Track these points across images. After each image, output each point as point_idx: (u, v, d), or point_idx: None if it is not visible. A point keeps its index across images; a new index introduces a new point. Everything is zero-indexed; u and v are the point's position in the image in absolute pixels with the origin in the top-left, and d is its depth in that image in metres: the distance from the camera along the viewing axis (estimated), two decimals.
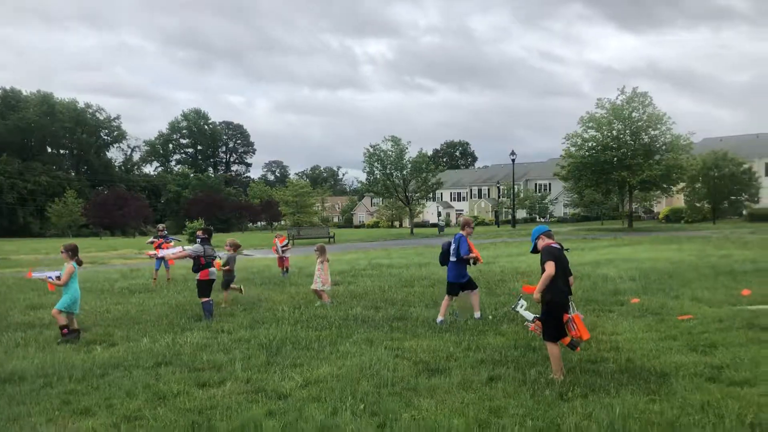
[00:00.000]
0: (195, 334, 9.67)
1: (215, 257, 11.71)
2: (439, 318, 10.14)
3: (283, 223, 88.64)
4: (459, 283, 10.35)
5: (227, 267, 12.77)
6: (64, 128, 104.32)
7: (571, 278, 6.97)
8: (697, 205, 56.23)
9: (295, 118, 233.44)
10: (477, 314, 10.40)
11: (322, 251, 12.62)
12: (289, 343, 8.86)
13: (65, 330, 9.46)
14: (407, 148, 53.43)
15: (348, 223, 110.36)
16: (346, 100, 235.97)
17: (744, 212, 57.05)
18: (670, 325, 9.29)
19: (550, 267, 6.65)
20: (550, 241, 7.07)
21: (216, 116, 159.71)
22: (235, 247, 13.26)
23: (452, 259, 10.21)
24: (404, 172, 54.00)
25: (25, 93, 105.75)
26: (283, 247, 18.88)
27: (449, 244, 10.33)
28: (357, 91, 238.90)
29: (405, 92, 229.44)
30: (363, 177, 59.85)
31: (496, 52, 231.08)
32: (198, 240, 12.02)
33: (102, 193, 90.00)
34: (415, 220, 66.36)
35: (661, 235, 35.26)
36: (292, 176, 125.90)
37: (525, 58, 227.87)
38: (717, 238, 29.85)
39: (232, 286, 13.14)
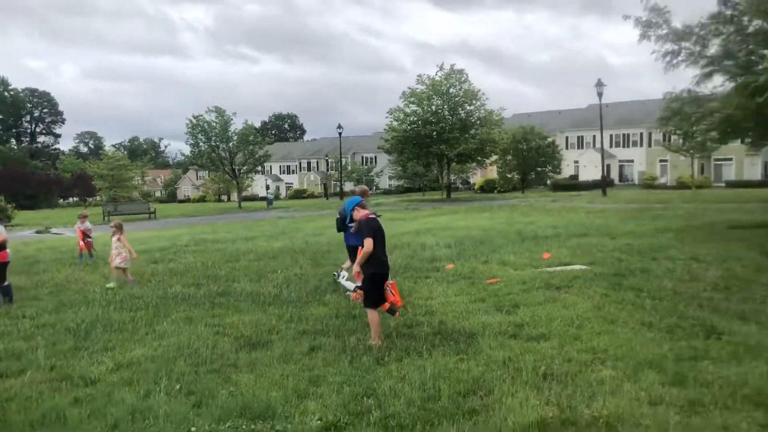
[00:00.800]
0: None
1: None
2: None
3: (98, 198, 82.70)
4: (352, 247, 10.45)
5: None
6: None
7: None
8: (508, 176, 60.83)
9: (108, 85, 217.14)
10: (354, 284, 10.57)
11: (118, 228, 11.99)
12: (100, 325, 8.34)
13: None
14: (233, 120, 51.99)
15: (171, 197, 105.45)
16: (165, 68, 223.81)
17: (548, 182, 62.62)
18: (479, 288, 9.96)
19: (368, 244, 6.89)
20: (366, 212, 7.26)
21: (16, 83, 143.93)
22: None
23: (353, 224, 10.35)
24: (230, 144, 52.53)
25: None
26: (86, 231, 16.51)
27: (344, 210, 10.38)
28: (177, 59, 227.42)
29: (227, 62, 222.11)
30: (187, 149, 57.35)
31: (320, 24, 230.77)
32: None
33: None
34: (244, 193, 64.96)
35: (476, 205, 37.63)
36: (107, 148, 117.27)
37: (348, 32, 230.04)
38: (524, 207, 32.44)
39: None
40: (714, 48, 16.99)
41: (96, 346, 7.35)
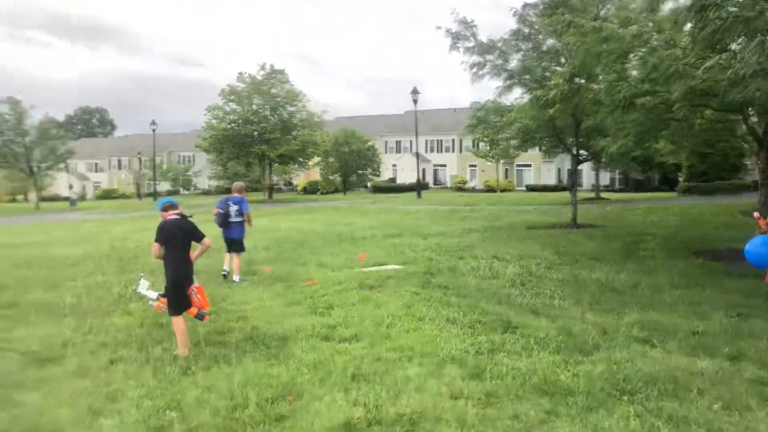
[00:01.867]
0: None
1: None
2: (236, 277, 10.88)
3: None
4: (238, 240, 11.31)
5: None
6: None
7: (206, 240, 6.90)
8: (331, 177, 61.46)
9: None
10: (236, 278, 10.91)
11: None
12: None
13: None
14: (29, 112, 47.33)
15: None
16: None
17: (368, 184, 64.27)
18: (296, 290, 9.90)
19: (154, 249, 6.83)
20: (169, 213, 6.93)
21: None
22: None
23: (237, 219, 11.27)
24: (26, 139, 47.75)
25: None
26: None
27: (226, 205, 11.27)
28: None
29: (17, 46, 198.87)
30: None
31: (123, 13, 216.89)
32: None
33: None
34: (44, 193, 59.39)
35: (299, 206, 37.62)
36: None
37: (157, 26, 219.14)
38: (344, 208, 32.98)
39: None
40: (514, 62, 18.42)
41: None
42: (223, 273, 11.25)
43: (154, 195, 58.66)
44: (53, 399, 5.32)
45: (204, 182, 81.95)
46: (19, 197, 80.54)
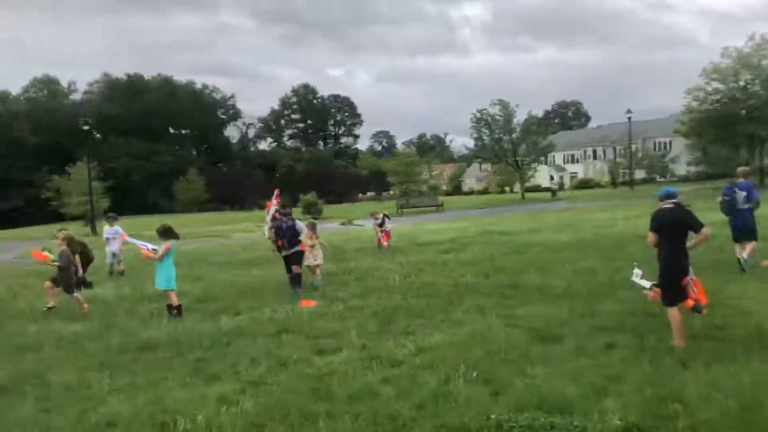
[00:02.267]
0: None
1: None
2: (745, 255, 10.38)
3: (391, 192, 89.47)
4: (747, 229, 10.69)
5: (57, 263, 10.89)
6: (184, 109, 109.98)
7: (704, 230, 6.57)
8: None
9: (397, 86, 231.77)
10: (745, 255, 10.43)
11: (312, 228, 12.54)
12: (401, 311, 9.03)
13: (175, 310, 9.82)
14: (515, 111, 52.20)
15: (456, 190, 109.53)
16: (446, 66, 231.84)
17: None
18: None
19: (648, 239, 6.79)
20: (665, 203, 6.78)
21: (322, 90, 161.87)
22: (69, 241, 11.28)
23: (745, 206, 10.67)
24: (513, 136, 52.86)
25: (146, 77, 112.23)
26: (380, 223, 18.18)
27: (732, 192, 10.81)
28: (456, 56, 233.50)
29: (505, 53, 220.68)
30: (471, 143, 59.23)
31: (599, 5, 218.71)
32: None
33: (221, 171, 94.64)
34: (527, 184, 64.88)
35: None
36: (399, 146, 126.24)
37: (633, 9, 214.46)
38: None
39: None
40: None
41: (399, 329, 7.98)
42: (741, 261, 10.39)
43: (630, 183, 58.25)
44: (559, 374, 5.78)
45: (681, 168, 77.72)
46: (506, 188, 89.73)
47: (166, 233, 10.07)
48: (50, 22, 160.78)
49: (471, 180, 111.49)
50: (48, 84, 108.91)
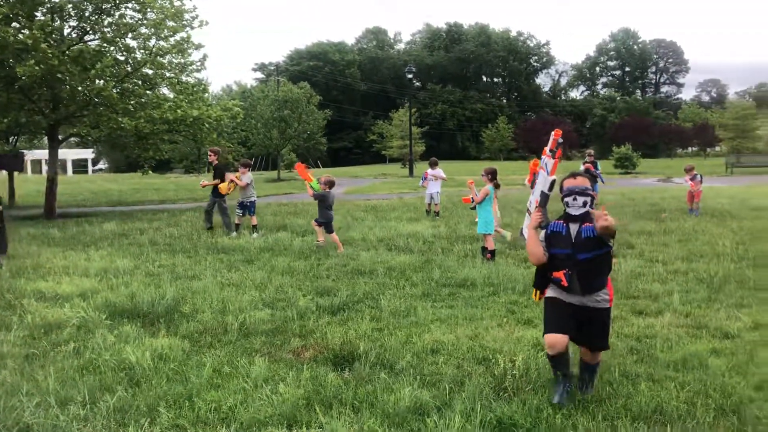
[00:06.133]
0: (629, 262, 9.60)
1: None
2: None
3: (717, 149, 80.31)
4: None
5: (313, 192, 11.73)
6: (497, 57, 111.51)
7: None
8: None
9: (731, 26, 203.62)
10: None
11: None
12: (733, 280, 8.16)
13: (489, 254, 10.06)
14: None
15: None
16: None
17: None
18: None
19: None
20: None
21: (644, 35, 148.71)
22: (330, 185, 11.94)
23: None
24: None
25: (464, 26, 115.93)
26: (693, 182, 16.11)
27: None
28: None
29: None
30: None
31: None
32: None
33: (530, 119, 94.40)
34: None
35: None
36: (731, 96, 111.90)
37: None
38: None
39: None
40: None
41: (730, 300, 7.24)
42: None
43: None
44: None
45: None
46: None
47: (493, 175, 10.34)
48: None
49: None
50: (377, 34, 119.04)
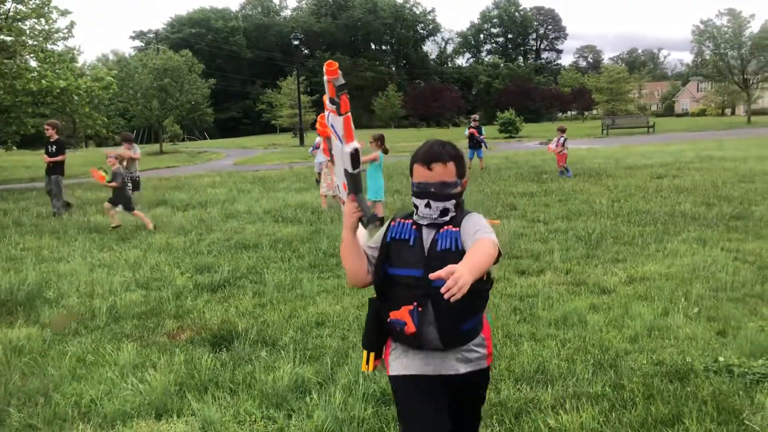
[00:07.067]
0: (512, 222, 9.77)
1: None
2: None
3: (594, 112, 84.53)
4: None
5: (113, 183, 10.86)
6: (384, 24, 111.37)
7: None
8: None
9: None
10: None
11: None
12: (610, 237, 8.47)
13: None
14: (749, 23, 45.94)
15: (668, 111, 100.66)
16: None
17: None
18: None
19: None
20: None
21: (525, 2, 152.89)
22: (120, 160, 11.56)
23: None
24: (743, 51, 46.80)
25: None
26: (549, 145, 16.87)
27: None
28: None
29: None
30: (687, 59, 53.56)
31: None
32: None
33: (419, 86, 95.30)
34: (754, 106, 57.69)
35: None
36: (605, 61, 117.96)
37: None
38: None
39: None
40: None
41: (607, 256, 7.49)
42: None
43: None
44: None
45: None
46: (727, 111, 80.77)
47: (381, 141, 10.16)
48: None
49: (685, 100, 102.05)
50: (261, 1, 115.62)
